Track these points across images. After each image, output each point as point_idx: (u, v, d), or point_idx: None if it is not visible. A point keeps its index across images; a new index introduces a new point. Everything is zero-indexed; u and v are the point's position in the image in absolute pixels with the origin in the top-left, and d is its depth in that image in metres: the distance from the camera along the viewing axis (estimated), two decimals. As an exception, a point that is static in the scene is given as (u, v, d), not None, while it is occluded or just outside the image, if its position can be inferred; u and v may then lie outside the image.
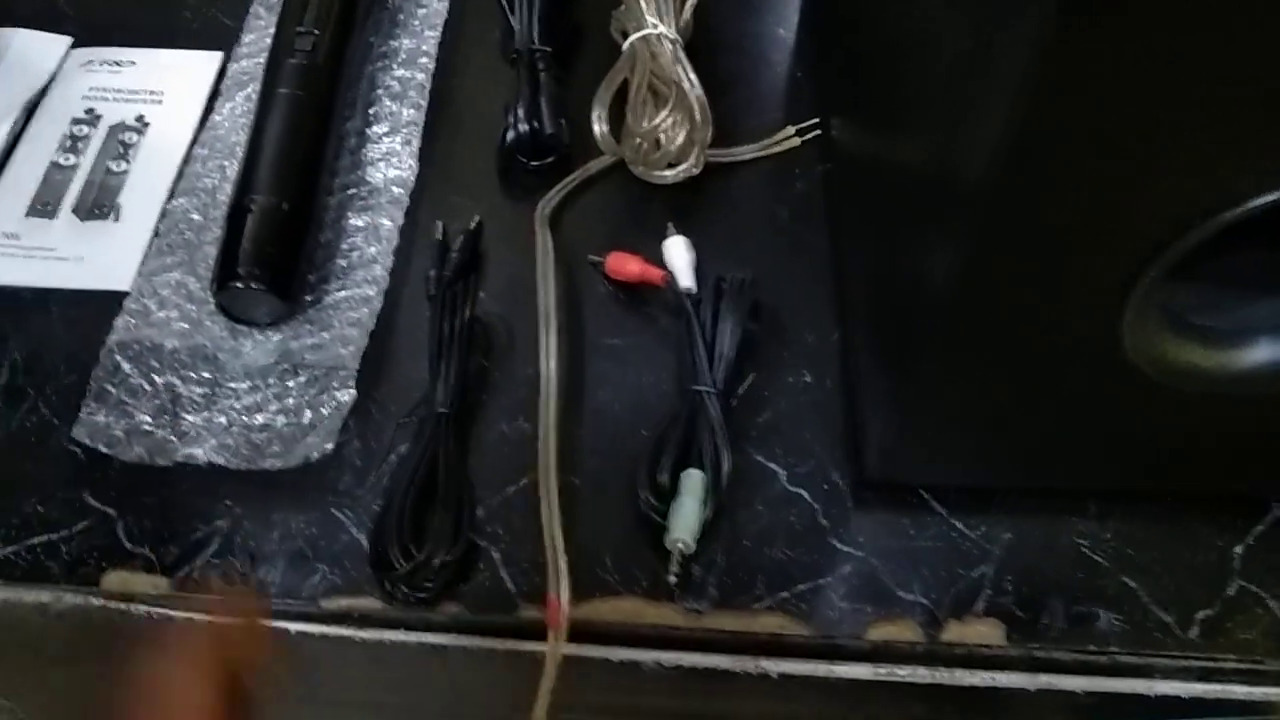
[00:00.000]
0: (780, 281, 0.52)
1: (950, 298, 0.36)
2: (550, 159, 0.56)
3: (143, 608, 0.44)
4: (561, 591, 0.42)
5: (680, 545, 0.42)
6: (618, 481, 0.46)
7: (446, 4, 0.62)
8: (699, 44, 0.58)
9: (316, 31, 0.55)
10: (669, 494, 0.44)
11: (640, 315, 0.52)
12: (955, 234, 0.35)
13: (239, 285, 0.48)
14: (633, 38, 0.56)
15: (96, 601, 0.44)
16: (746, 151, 0.57)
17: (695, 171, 0.55)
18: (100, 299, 0.52)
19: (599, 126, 0.53)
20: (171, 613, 0.44)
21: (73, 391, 0.49)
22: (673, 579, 0.42)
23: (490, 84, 0.60)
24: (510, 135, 0.55)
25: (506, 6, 0.60)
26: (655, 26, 0.56)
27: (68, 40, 0.62)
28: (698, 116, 0.53)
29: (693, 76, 0.55)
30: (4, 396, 0.49)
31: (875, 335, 0.47)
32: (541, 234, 0.53)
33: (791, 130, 0.58)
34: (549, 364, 0.48)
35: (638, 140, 0.53)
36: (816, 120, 0.58)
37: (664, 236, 0.54)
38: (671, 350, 0.50)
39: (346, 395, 0.47)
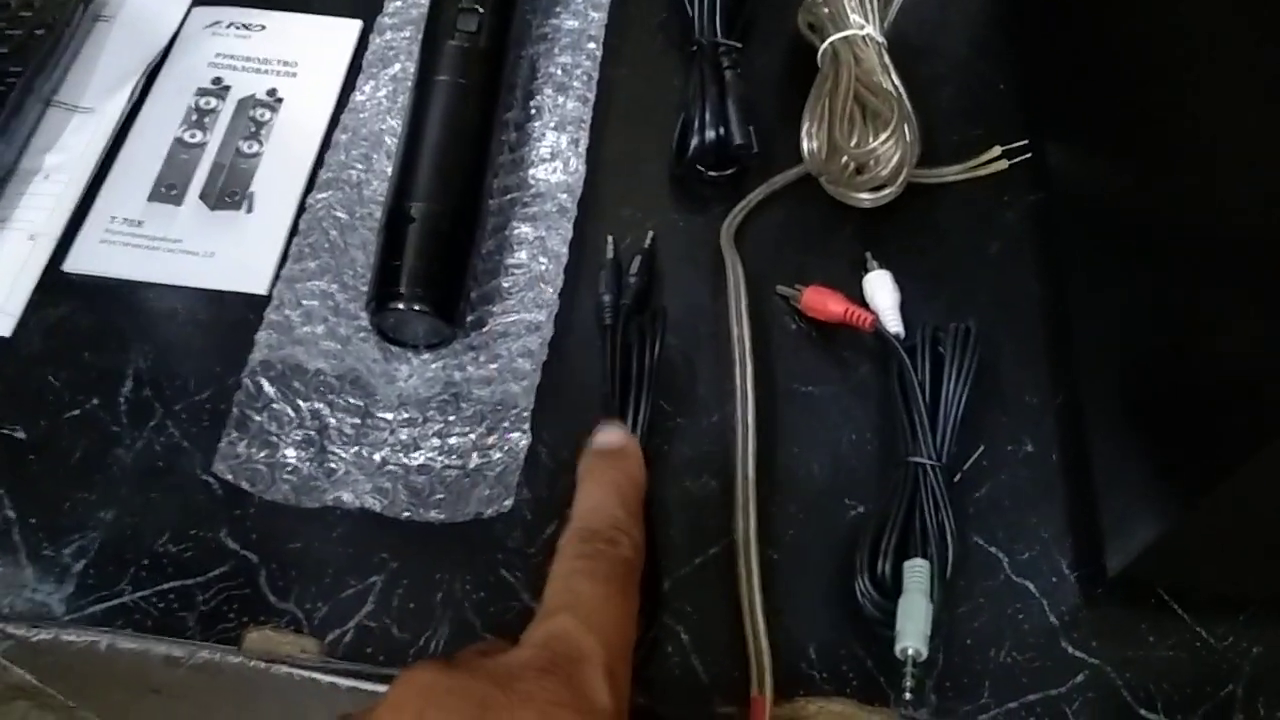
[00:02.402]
0: (992, 328, 0.46)
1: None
2: (733, 170, 0.50)
3: (285, 669, 0.39)
4: (766, 690, 0.37)
5: (912, 652, 0.37)
6: (820, 557, 0.41)
7: (608, -18, 0.56)
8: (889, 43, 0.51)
9: (479, 8, 0.49)
10: (890, 587, 0.38)
11: (836, 358, 0.46)
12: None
13: (401, 307, 0.42)
14: (834, 39, 0.49)
15: (234, 659, 0.39)
16: (948, 173, 0.51)
17: (897, 194, 0.49)
18: (233, 301, 0.46)
19: (810, 143, 0.47)
20: (320, 677, 0.39)
21: (204, 410, 0.44)
22: (908, 695, 0.37)
23: (660, 74, 0.54)
24: (694, 143, 0.49)
25: (685, -10, 0.53)
26: (861, 27, 0.49)
27: (189, -4, 0.56)
28: (909, 136, 0.47)
29: (903, 88, 0.48)
30: (129, 412, 0.43)
31: (1126, 411, 0.41)
32: (731, 259, 0.47)
33: (998, 151, 0.52)
34: (747, 417, 0.42)
35: (844, 159, 0.47)
36: (1026, 142, 0.52)
37: (856, 264, 0.48)
38: (875, 404, 0.45)
39: (522, 441, 0.41)
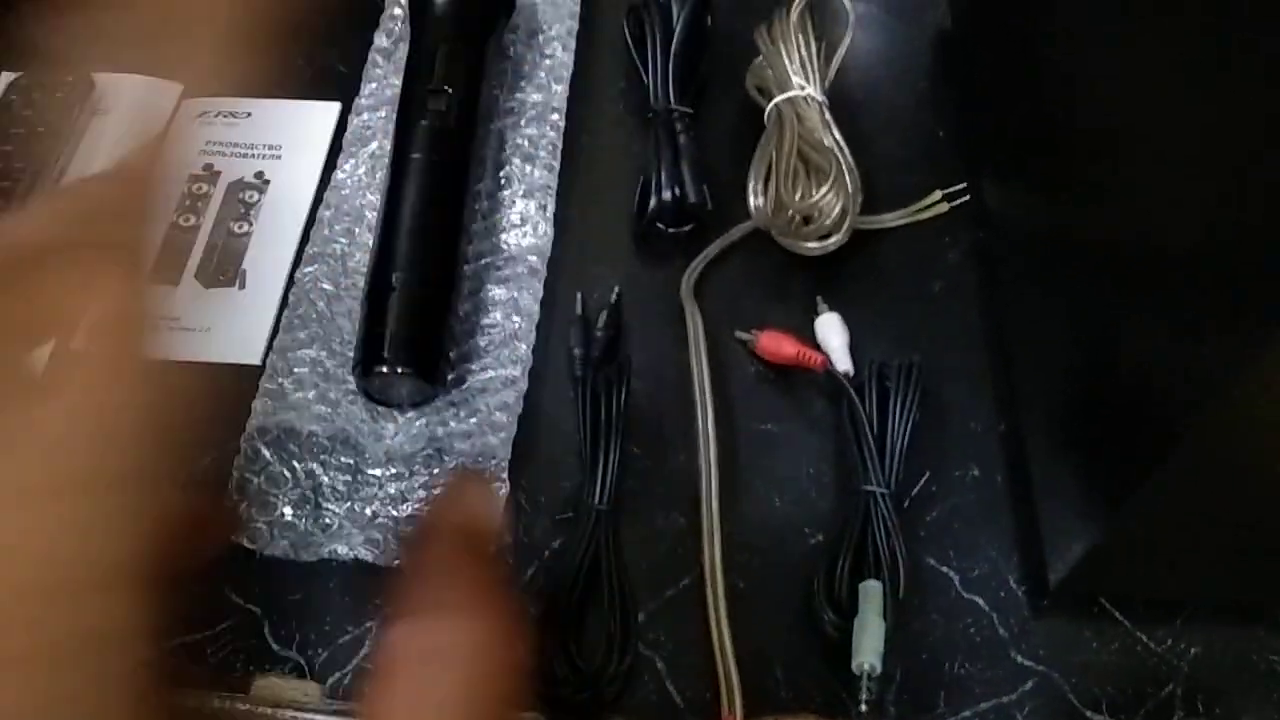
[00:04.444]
0: (938, 362, 0.49)
1: (1212, 410, 0.33)
2: (690, 226, 0.54)
3: (290, 713, 0.42)
4: (736, 709, 0.40)
5: (868, 667, 0.40)
6: (782, 585, 0.44)
7: (571, 55, 0.60)
8: (830, 100, 0.55)
9: (448, 89, 0.53)
10: (847, 607, 0.42)
11: (793, 398, 0.50)
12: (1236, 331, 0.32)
13: (385, 371, 0.45)
14: (778, 99, 0.53)
15: (243, 706, 0.42)
16: (892, 219, 0.55)
17: (843, 242, 0.52)
18: (229, 373, 0.50)
19: (756, 200, 0.51)
20: (322, 719, 0.42)
21: (206, 475, 0.47)
22: (863, 707, 0.40)
23: (619, 139, 0.58)
24: (653, 203, 0.52)
25: (639, 63, 0.57)
26: (802, 88, 0.53)
27: (179, 87, 0.60)
28: (850, 187, 0.51)
29: (844, 144, 0.52)
30: (137, 480, 0.47)
31: (1060, 433, 0.44)
32: (690, 310, 0.50)
33: (939, 195, 0.55)
34: (709, 456, 0.45)
35: (790, 213, 0.50)
36: (964, 185, 0.56)
37: (809, 308, 0.51)
38: (829, 437, 0.48)
39: (502, 489, 0.45)
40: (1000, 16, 0.56)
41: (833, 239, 0.52)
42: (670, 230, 0.54)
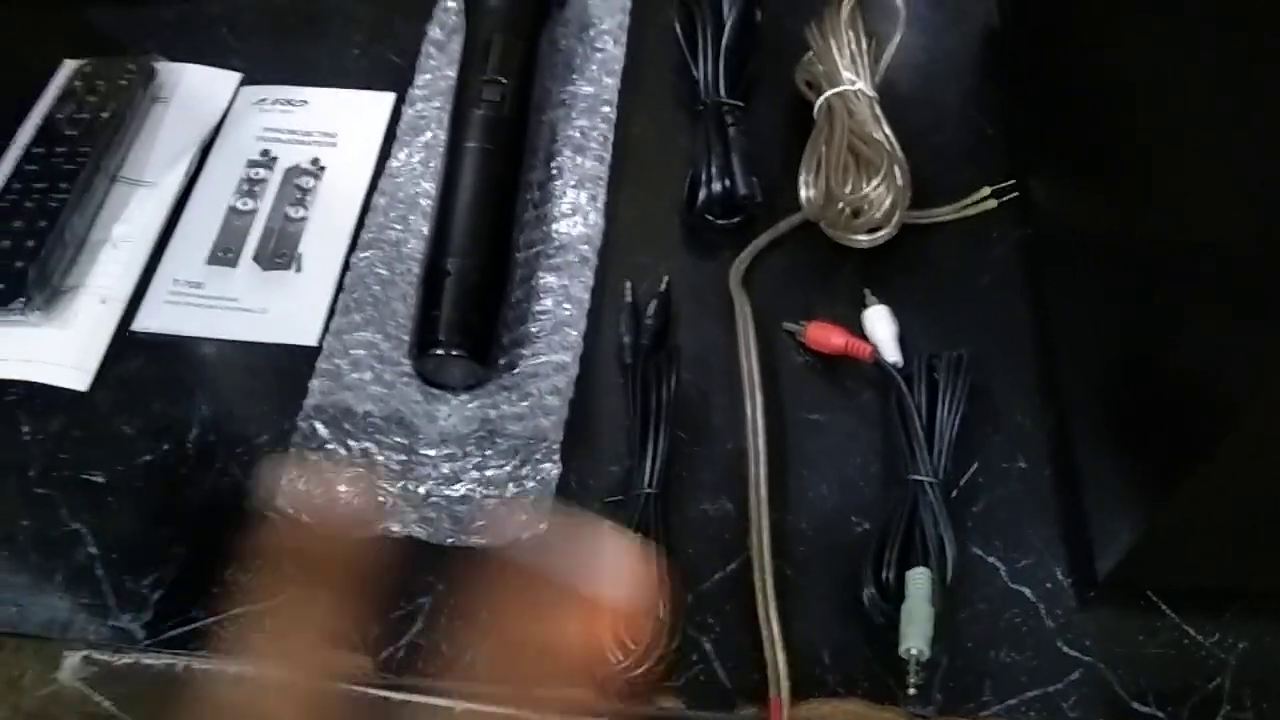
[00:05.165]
0: (985, 356, 0.50)
1: (1264, 400, 0.33)
2: (739, 218, 0.54)
3: (343, 684, 0.43)
4: (783, 692, 0.41)
5: (916, 653, 0.40)
6: (830, 571, 0.45)
7: (624, 49, 0.61)
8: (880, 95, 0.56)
9: (503, 80, 0.53)
10: (895, 594, 0.42)
11: (840, 388, 0.50)
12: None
13: (440, 353, 0.46)
14: (828, 94, 0.54)
15: (298, 677, 0.43)
16: (941, 214, 0.55)
17: (891, 235, 0.53)
18: (285, 353, 0.51)
19: (807, 191, 0.51)
20: (373, 691, 0.43)
21: (263, 454, 0.48)
22: (912, 691, 0.40)
23: (669, 132, 0.58)
24: (702, 195, 0.53)
25: (689, 57, 0.58)
26: (853, 82, 0.54)
27: (238, 76, 0.61)
28: (900, 180, 0.51)
29: (894, 138, 0.52)
30: (196, 457, 0.48)
31: (1108, 427, 0.44)
32: (739, 300, 0.51)
33: (987, 191, 0.55)
34: (758, 443, 0.46)
35: (840, 205, 0.51)
36: (1013, 181, 0.56)
37: (857, 301, 0.52)
38: (876, 428, 0.48)
39: (554, 470, 0.45)
40: (1049, 14, 0.56)
41: (882, 232, 0.52)
42: (720, 222, 0.54)
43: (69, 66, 0.61)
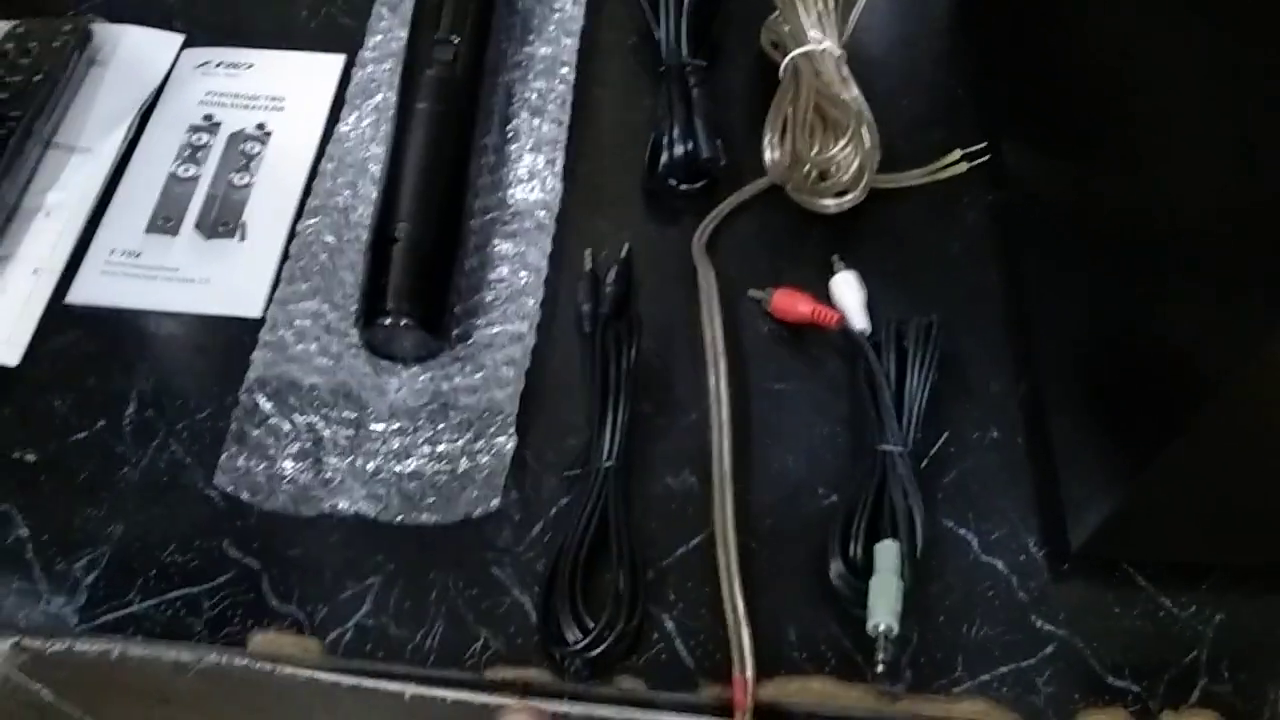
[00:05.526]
0: (956, 323, 0.48)
1: (1240, 370, 0.31)
2: (703, 182, 0.52)
3: (289, 669, 0.41)
4: (747, 670, 0.39)
5: (884, 628, 0.38)
6: (796, 545, 0.43)
7: (582, 7, 0.58)
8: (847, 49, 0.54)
9: (455, 39, 0.51)
10: (863, 568, 0.40)
11: (807, 357, 0.48)
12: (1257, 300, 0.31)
13: (387, 322, 0.44)
14: (794, 54, 0.52)
15: (241, 662, 0.41)
16: (910, 177, 0.53)
17: (860, 199, 0.51)
18: (229, 325, 0.48)
19: (772, 153, 0.49)
20: (322, 676, 0.41)
21: (205, 429, 0.46)
22: (880, 667, 0.38)
23: (631, 94, 0.56)
24: (664, 158, 0.51)
25: (650, 16, 0.56)
26: (819, 42, 0.52)
27: (180, 38, 0.59)
28: (868, 142, 0.50)
29: (862, 99, 0.51)
30: (133, 433, 0.46)
31: (1082, 396, 0.43)
32: (703, 267, 0.49)
33: (958, 154, 0.54)
34: (721, 415, 0.44)
35: (807, 167, 0.49)
36: (984, 144, 0.54)
37: (825, 267, 0.50)
38: (844, 397, 0.47)
39: (508, 445, 0.43)
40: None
41: (849, 196, 0.50)
42: (682, 186, 0.52)
43: (0, 27, 0.58)
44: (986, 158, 0.54)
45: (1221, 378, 0.33)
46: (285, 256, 0.50)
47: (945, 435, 0.45)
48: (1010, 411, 0.47)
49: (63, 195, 0.52)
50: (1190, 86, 0.36)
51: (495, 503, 0.42)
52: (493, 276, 0.49)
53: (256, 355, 0.46)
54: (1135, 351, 0.38)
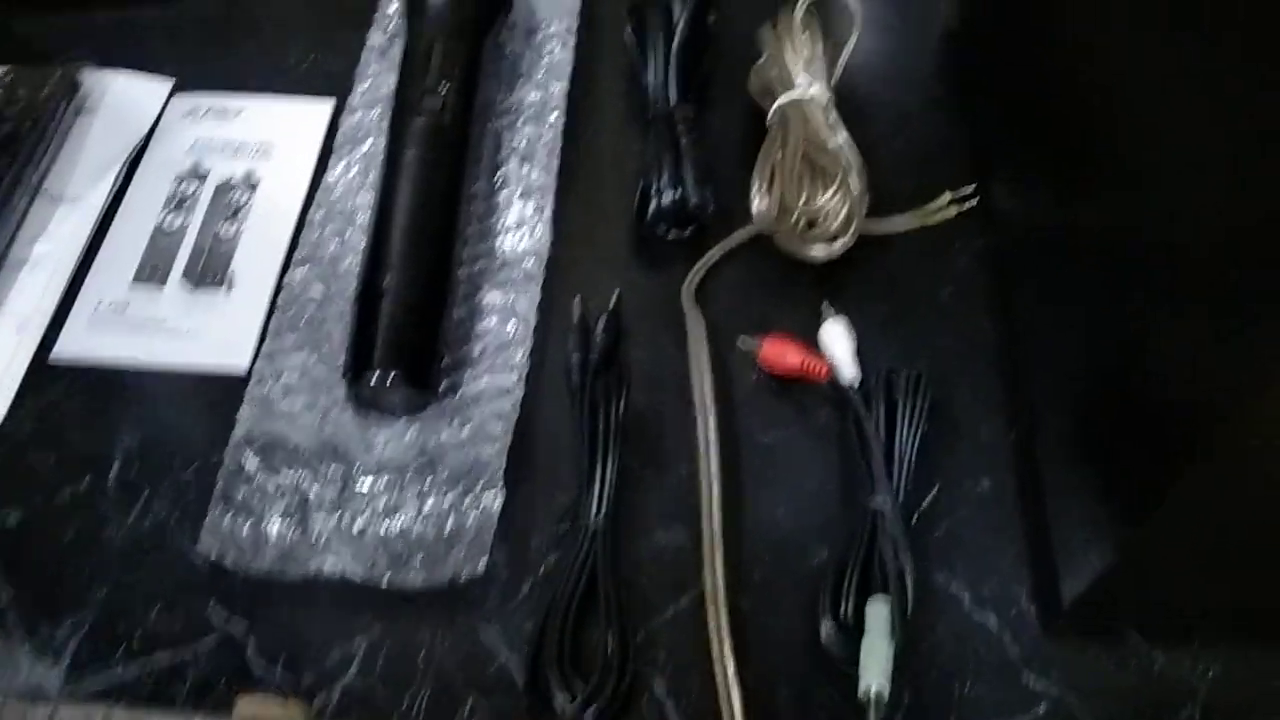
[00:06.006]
0: (947, 369, 0.48)
1: (1239, 421, 0.31)
2: (692, 229, 0.52)
3: (275, 734, 0.41)
4: (738, 734, 0.39)
5: (874, 693, 0.38)
6: (788, 602, 0.43)
7: (571, 52, 0.58)
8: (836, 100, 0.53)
9: (444, 89, 0.51)
10: (854, 628, 0.40)
11: (797, 406, 0.48)
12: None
13: (374, 378, 0.44)
14: (783, 102, 0.52)
15: (226, 727, 0.41)
16: (899, 222, 0.53)
17: (849, 245, 0.51)
18: (216, 378, 0.48)
19: (760, 204, 0.49)
20: (307, 742, 0.41)
21: (190, 488, 0.45)
22: (871, 733, 0.38)
23: (620, 139, 0.56)
24: (653, 206, 0.51)
25: (639, 62, 0.56)
26: (807, 88, 0.52)
27: (168, 84, 0.59)
28: (856, 189, 0.49)
29: (850, 145, 0.50)
30: (117, 492, 0.45)
31: (1075, 446, 0.42)
32: (692, 317, 0.49)
33: (947, 197, 0.54)
34: (710, 470, 0.44)
35: (795, 217, 0.49)
36: (974, 186, 0.54)
37: (816, 314, 0.50)
38: (834, 448, 0.47)
39: (495, 502, 0.43)
40: (1008, 13, 0.54)
41: (838, 243, 0.50)
42: (671, 233, 0.52)
43: (-12, 76, 0.58)
44: (976, 200, 0.54)
45: (1219, 425, 0.32)
46: (273, 308, 0.50)
47: (936, 487, 0.45)
48: (1002, 460, 0.46)
49: (49, 246, 0.52)
50: (1180, 118, 0.35)
51: (483, 564, 0.42)
52: (481, 327, 0.49)
53: (243, 412, 0.46)
54: (1129, 396, 0.38)
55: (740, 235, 0.52)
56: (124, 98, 0.58)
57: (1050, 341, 0.46)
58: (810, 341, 0.49)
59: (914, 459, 0.44)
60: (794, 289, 0.51)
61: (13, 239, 0.52)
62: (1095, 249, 0.42)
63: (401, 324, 0.45)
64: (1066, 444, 0.44)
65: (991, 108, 0.55)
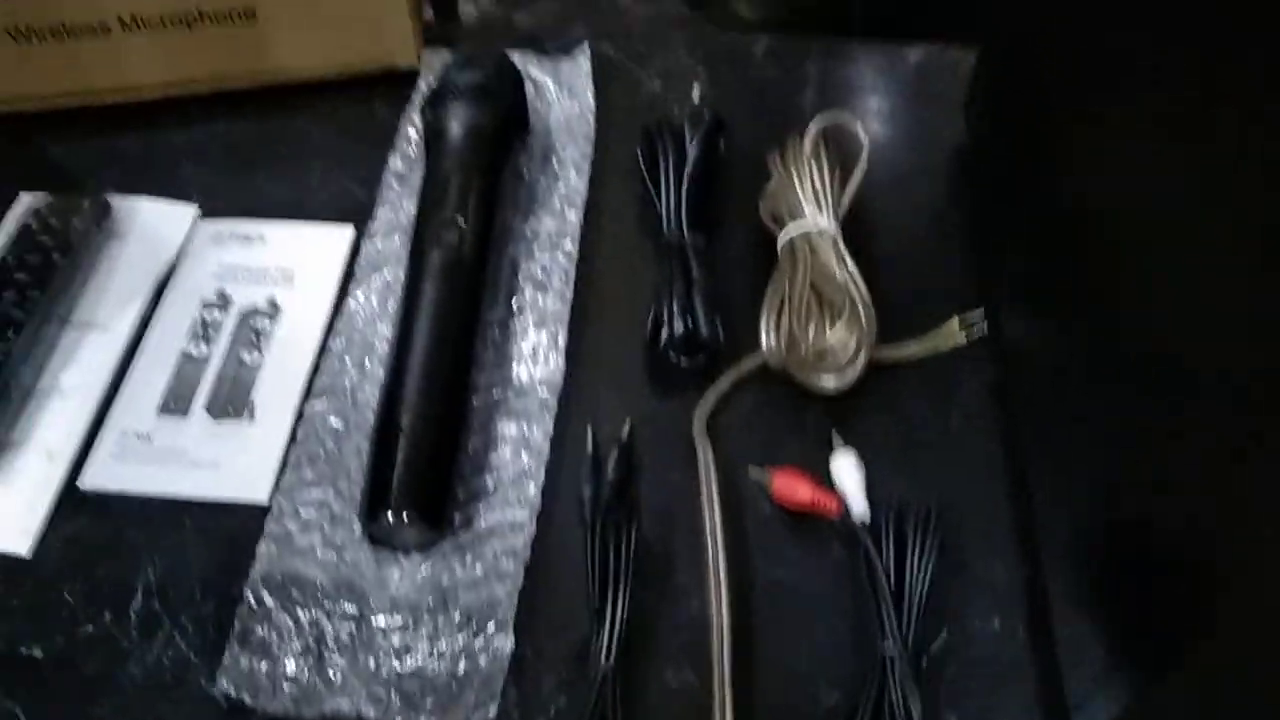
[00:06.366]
0: (956, 503, 0.48)
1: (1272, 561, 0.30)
2: (703, 355, 0.53)
3: None
4: None
5: None
6: (798, 748, 0.43)
7: (586, 180, 0.60)
8: (843, 226, 0.54)
9: (462, 220, 0.52)
10: (863, 779, 0.40)
11: (808, 540, 0.48)
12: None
13: (390, 518, 0.45)
14: (791, 235, 0.53)
15: None
16: (908, 351, 0.54)
17: (858, 377, 0.51)
18: (236, 510, 0.49)
19: (769, 340, 0.50)
20: None
21: (209, 622, 0.46)
22: None
23: (633, 265, 0.57)
24: (664, 336, 0.52)
25: (652, 190, 0.57)
26: (815, 219, 0.53)
27: (194, 210, 0.61)
28: (864, 322, 0.50)
29: (859, 278, 0.51)
30: (139, 626, 0.46)
31: (1088, 588, 0.43)
32: (702, 449, 0.49)
33: (956, 324, 0.54)
34: (721, 611, 0.44)
35: (803, 351, 0.50)
36: (982, 311, 0.55)
37: (825, 442, 0.50)
38: (845, 585, 0.47)
39: (506, 644, 0.44)
40: (1021, 133, 0.55)
41: (848, 374, 0.51)
42: (683, 361, 0.53)
43: (24, 202, 0.60)
44: (985, 326, 0.54)
45: (1249, 565, 0.31)
46: (293, 438, 0.51)
47: (944, 633, 0.45)
48: (1013, 599, 0.46)
49: (78, 376, 0.54)
50: (1199, 247, 0.35)
51: (493, 710, 0.42)
52: (495, 458, 0.49)
53: (261, 549, 0.47)
54: (1145, 534, 0.38)
55: (752, 362, 0.53)
56: (151, 224, 0.60)
57: (1060, 473, 0.46)
58: (821, 472, 0.49)
59: (924, 598, 0.44)
60: (805, 415, 0.52)
61: (43, 369, 0.53)
62: (1105, 382, 0.42)
63: (417, 464, 0.46)
64: (1078, 586, 0.44)
65: (1002, 231, 0.56)
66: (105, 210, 0.59)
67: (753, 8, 1.41)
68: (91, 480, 0.50)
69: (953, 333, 0.54)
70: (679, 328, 0.52)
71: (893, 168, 0.61)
